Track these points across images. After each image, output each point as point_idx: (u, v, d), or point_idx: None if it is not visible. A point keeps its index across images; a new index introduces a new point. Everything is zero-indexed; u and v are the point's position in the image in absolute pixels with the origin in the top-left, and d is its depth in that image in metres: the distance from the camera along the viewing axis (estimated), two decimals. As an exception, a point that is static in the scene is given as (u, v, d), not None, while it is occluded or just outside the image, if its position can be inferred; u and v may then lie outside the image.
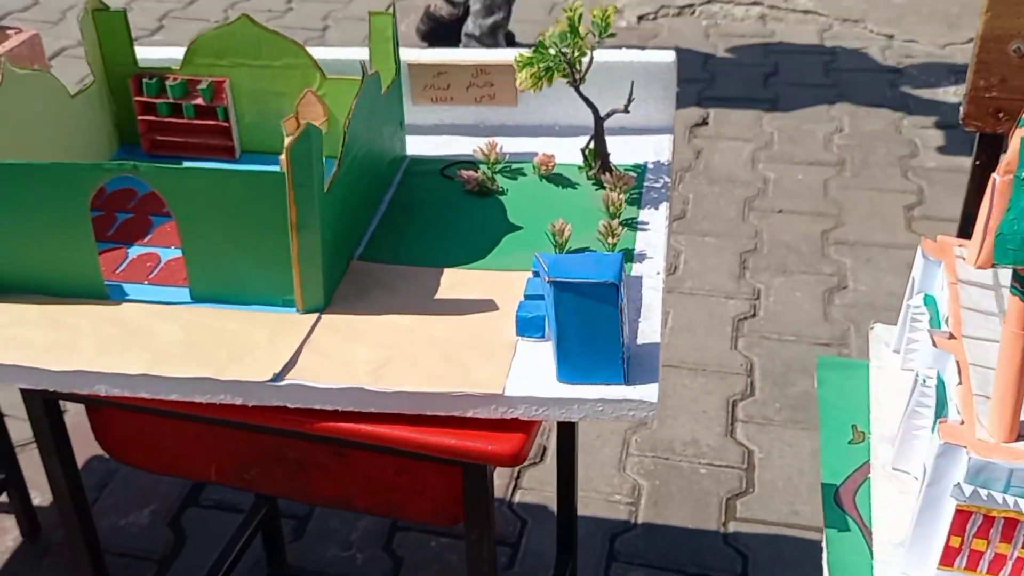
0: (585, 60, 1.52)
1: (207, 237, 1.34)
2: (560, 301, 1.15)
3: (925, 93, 3.87)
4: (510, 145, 1.68)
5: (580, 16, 1.49)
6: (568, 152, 1.67)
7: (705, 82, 3.96)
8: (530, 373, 1.23)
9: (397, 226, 1.54)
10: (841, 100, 3.84)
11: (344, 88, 1.64)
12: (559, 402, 1.20)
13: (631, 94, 1.54)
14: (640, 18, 4.50)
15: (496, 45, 3.83)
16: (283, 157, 1.26)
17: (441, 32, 4.00)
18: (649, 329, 1.28)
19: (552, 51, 1.49)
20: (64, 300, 1.39)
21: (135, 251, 1.50)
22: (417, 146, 1.73)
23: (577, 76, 1.52)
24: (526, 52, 1.52)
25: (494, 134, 1.74)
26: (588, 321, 1.16)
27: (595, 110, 1.54)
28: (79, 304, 1.38)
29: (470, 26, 3.82)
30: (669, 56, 1.68)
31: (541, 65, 1.48)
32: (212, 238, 1.34)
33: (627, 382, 1.19)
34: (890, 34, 4.27)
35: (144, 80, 1.66)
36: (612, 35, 1.50)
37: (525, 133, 1.74)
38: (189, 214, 1.32)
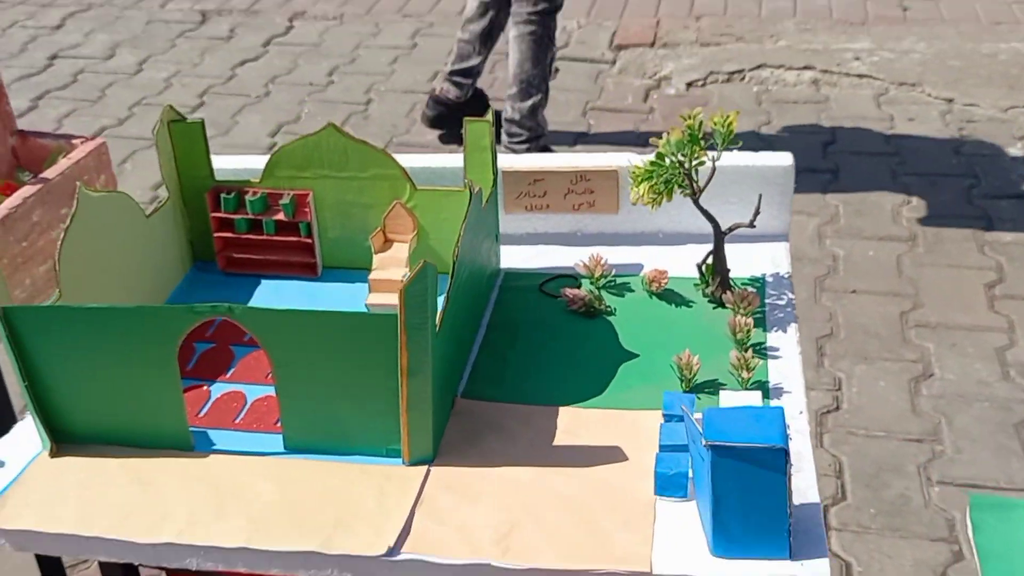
0: (702, 169, 1.40)
1: (305, 384, 1.21)
2: (719, 467, 1.02)
3: (992, 160, 3.74)
4: (610, 255, 1.55)
5: (701, 124, 1.37)
6: (675, 263, 1.55)
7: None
8: (677, 543, 1.09)
9: (499, 354, 1.41)
10: (905, 169, 3.71)
11: (435, 199, 1.53)
12: (716, 580, 1.05)
13: (758, 207, 1.42)
14: (689, 85, 4.40)
15: (537, 128, 3.71)
16: (396, 297, 1.14)
17: (449, 116, 3.87)
18: (805, 485, 1.14)
19: (669, 162, 1.37)
20: (146, 451, 1.26)
21: (218, 389, 1.37)
22: (510, 258, 1.61)
23: (696, 188, 1.39)
24: (640, 163, 1.40)
25: (592, 243, 1.62)
26: (750, 489, 1.02)
27: (716, 224, 1.42)
28: (163, 456, 1.25)
29: (508, 111, 3.69)
30: (787, 159, 1.55)
31: (660, 178, 1.35)
32: (311, 385, 1.21)
33: (793, 557, 1.05)
34: (949, 98, 4.14)
35: (222, 195, 1.55)
36: (737, 143, 1.38)
37: (626, 242, 1.62)
38: (288, 359, 1.20)
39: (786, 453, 1.00)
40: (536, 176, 1.58)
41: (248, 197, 1.54)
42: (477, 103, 3.93)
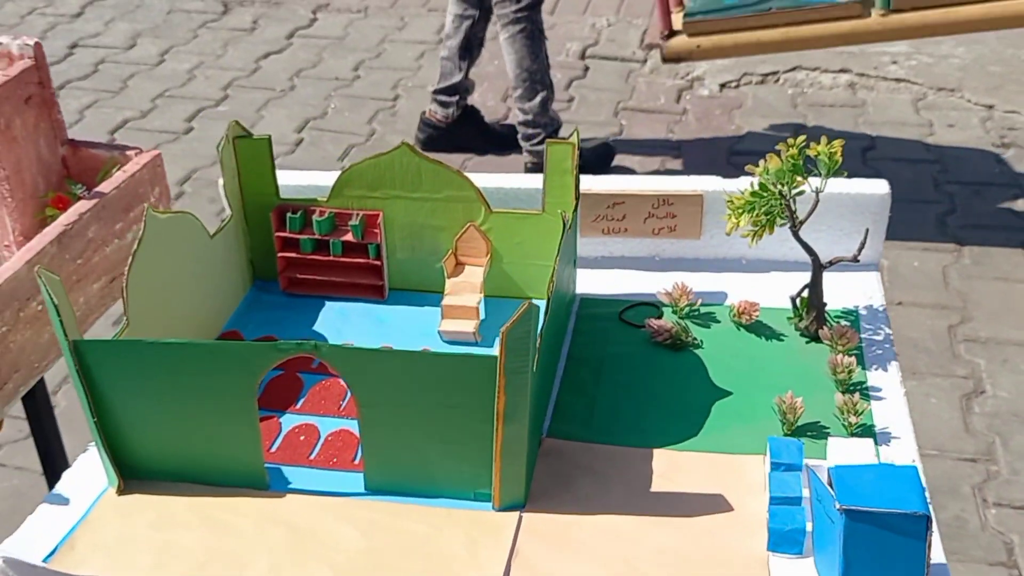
0: (800, 198, 1.33)
1: (392, 425, 1.15)
2: (853, 532, 0.95)
3: (1035, 169, 3.67)
4: (691, 282, 1.48)
5: (803, 151, 1.29)
6: (761, 292, 1.48)
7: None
8: (797, 606, 1.02)
9: (584, 390, 1.34)
10: (947, 177, 3.63)
11: (510, 222, 1.46)
12: (843, 650, 0.99)
13: (864, 240, 1.34)
14: (722, 86, 4.31)
15: (552, 122, 3.61)
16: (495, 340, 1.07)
17: (440, 138, 3.80)
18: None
19: (767, 193, 1.30)
20: (217, 490, 1.19)
21: (289, 421, 1.30)
22: (584, 282, 1.54)
23: (796, 220, 1.32)
24: (738, 193, 1.32)
25: (670, 268, 1.55)
26: (886, 555, 0.95)
27: (815, 257, 1.35)
28: (237, 496, 1.19)
29: (520, 115, 3.60)
30: (883, 187, 1.48)
31: (761, 210, 1.28)
32: (398, 426, 1.15)
33: (926, 625, 0.98)
34: (989, 104, 4.06)
35: (288, 214, 1.48)
36: (842, 173, 1.31)
37: (707, 268, 1.54)
38: (375, 400, 1.13)
39: (928, 520, 0.93)
40: (616, 200, 1.51)
41: (315, 217, 1.47)
42: (468, 121, 3.83)
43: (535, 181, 1.49)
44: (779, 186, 1.29)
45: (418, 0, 5.22)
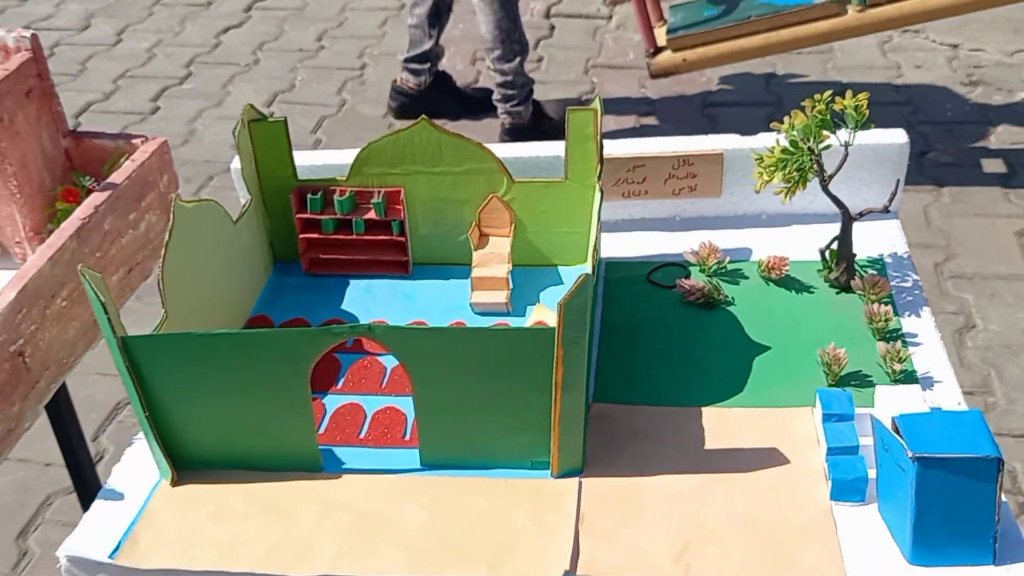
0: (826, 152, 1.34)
1: (448, 401, 1.14)
2: (925, 479, 0.97)
3: (1005, 106, 3.71)
4: (714, 240, 1.49)
5: (829, 106, 1.30)
6: (785, 246, 1.49)
7: (772, 105, 3.78)
8: (867, 553, 1.04)
9: (622, 353, 1.35)
10: (919, 117, 3.67)
11: (533, 191, 1.45)
12: (917, 592, 1.01)
13: (896, 189, 1.36)
14: (689, 38, 4.31)
15: (528, 82, 3.57)
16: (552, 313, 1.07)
17: (412, 105, 3.75)
18: (986, 485, 1.10)
19: (797, 150, 1.30)
20: (271, 475, 1.19)
21: (333, 402, 1.30)
22: (608, 247, 1.54)
23: (825, 174, 1.33)
24: (767, 151, 1.33)
25: (692, 228, 1.55)
26: (958, 499, 0.98)
27: (845, 210, 1.36)
28: (292, 481, 1.18)
29: (497, 76, 3.57)
30: (901, 137, 1.49)
31: (793, 167, 1.29)
32: (454, 402, 1.15)
33: (996, 562, 1.01)
34: (954, 43, 4.10)
35: (308, 195, 1.46)
36: (870, 125, 1.32)
37: (728, 225, 1.55)
38: (431, 378, 1.13)
39: (1000, 462, 0.96)
40: (636, 163, 1.51)
41: (336, 197, 1.46)
42: (441, 87, 3.81)
43: (556, 149, 1.49)
44: (808, 142, 1.29)
45: (375, -35, 5.15)
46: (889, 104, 3.78)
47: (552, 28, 4.44)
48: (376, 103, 3.94)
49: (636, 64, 4.14)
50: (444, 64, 3.87)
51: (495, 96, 3.62)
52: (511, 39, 3.53)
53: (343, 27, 4.58)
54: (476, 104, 3.81)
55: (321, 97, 4.02)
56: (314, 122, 3.86)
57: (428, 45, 3.69)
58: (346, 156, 1.50)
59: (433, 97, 3.77)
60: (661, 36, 3.27)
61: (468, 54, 4.22)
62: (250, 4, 4.82)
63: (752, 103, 3.83)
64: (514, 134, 3.59)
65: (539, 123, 3.62)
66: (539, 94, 3.71)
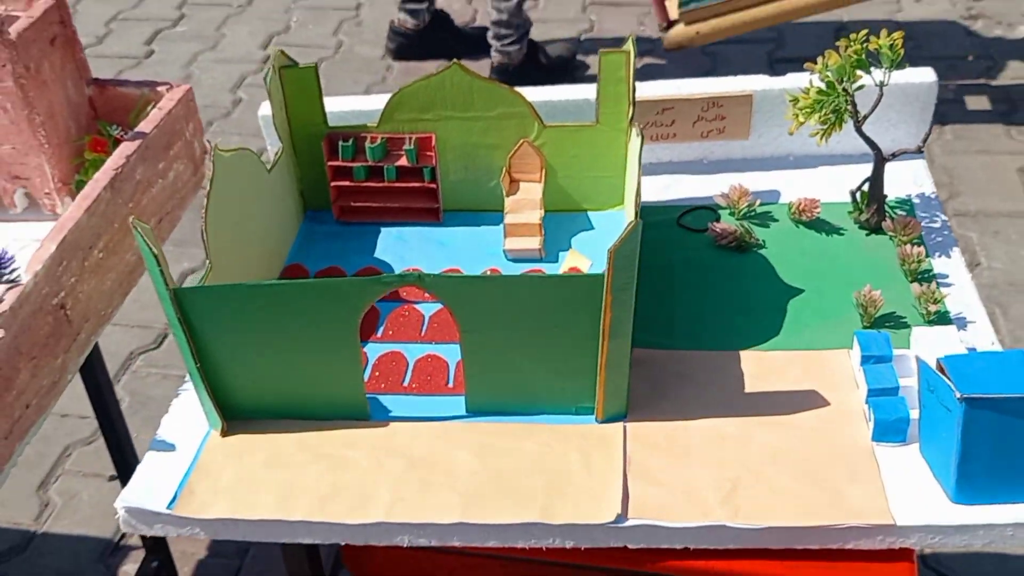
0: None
1: (495, 349, 1.16)
2: (973, 419, 0.99)
3: (1006, 41, 3.70)
4: (742, 182, 1.50)
5: (866, 46, 1.30)
6: (813, 187, 1.50)
7: (774, 42, 3.76)
8: (911, 492, 1.07)
9: (659, 299, 1.36)
10: (920, 53, 3.66)
11: (564, 136, 1.46)
12: (961, 529, 1.04)
13: (929, 130, 1.36)
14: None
15: (524, 23, 3.52)
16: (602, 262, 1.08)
17: (410, 45, 3.73)
18: (1024, 423, 1.12)
19: (832, 91, 1.31)
20: (320, 424, 1.21)
21: (374, 350, 1.31)
22: (636, 190, 1.54)
23: (859, 115, 1.34)
24: (801, 92, 1.33)
25: (719, 171, 1.56)
26: (1004, 439, 1.00)
27: (878, 150, 1.37)
28: (342, 429, 1.20)
29: (494, 13, 3.52)
30: (930, 75, 1.50)
31: (829, 108, 1.29)
32: (501, 350, 1.16)
33: (1039, 499, 1.04)
34: (954, -24, 4.09)
35: (340, 142, 1.46)
36: (904, 64, 1.32)
37: (755, 167, 1.56)
38: (479, 325, 1.14)
39: (1047, 402, 0.98)
40: (665, 105, 1.51)
41: (368, 144, 1.46)
42: (440, 26, 3.76)
43: (586, 92, 1.49)
44: (843, 82, 1.30)
45: (365, -99, 5.05)
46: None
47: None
48: (374, 44, 3.90)
49: (634, 1, 4.10)
50: (441, 2, 3.83)
51: (489, 33, 3.57)
52: None
53: (337, -35, 4.51)
54: (476, 43, 3.77)
55: (318, 39, 3.97)
56: (312, 65, 3.81)
57: None
58: (376, 102, 1.49)
59: (431, 37, 3.73)
60: (673, 8, 3.24)
61: (465, -8, 4.17)
62: (241, -57, 4.73)
63: (752, 40, 3.80)
64: (502, 73, 3.55)
65: (532, 65, 3.59)
66: (538, 33, 3.68)
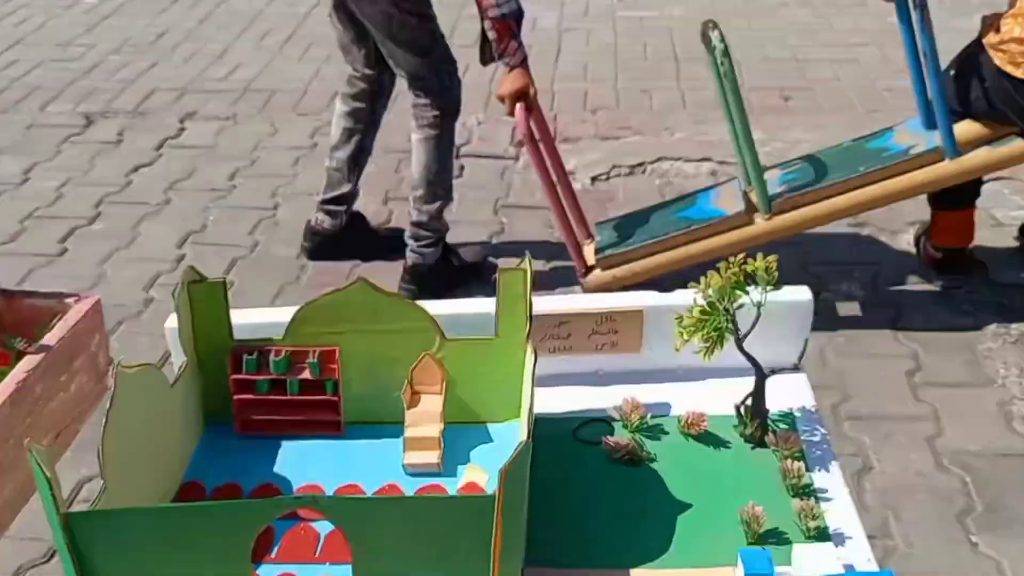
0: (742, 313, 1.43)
1: (387, 570, 1.17)
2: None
3: (889, 248, 3.94)
4: (635, 395, 1.56)
5: (743, 269, 1.40)
6: (703, 401, 1.57)
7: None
8: None
9: (554, 513, 1.39)
10: (812, 259, 3.86)
11: (464, 349, 1.52)
12: None
13: (805, 347, 1.45)
14: (594, 179, 4.49)
15: (441, 228, 3.61)
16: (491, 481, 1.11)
17: (327, 246, 3.82)
18: (900, 640, 1.16)
19: (714, 311, 1.40)
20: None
21: (268, 573, 1.31)
22: (535, 402, 1.59)
23: (739, 333, 1.42)
24: (686, 312, 1.42)
25: (613, 383, 1.63)
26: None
27: (759, 368, 1.45)
28: (231, 654, 1.18)
29: (415, 214, 3.64)
30: (805, 294, 1.61)
31: (711, 327, 1.38)
32: (393, 571, 1.17)
33: None
34: (841, 188, 4.37)
35: (245, 356, 1.49)
36: (778, 286, 1.42)
37: (647, 380, 1.63)
38: (371, 547, 1.15)
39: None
40: (562, 319, 1.59)
41: (272, 357, 1.49)
42: (355, 228, 3.89)
43: (490, 306, 1.56)
44: (723, 302, 1.39)
45: (287, 105, 5.26)
46: (784, 245, 3.97)
47: (462, 168, 4.57)
48: (289, 244, 3.98)
49: (543, 204, 4.28)
50: (358, 204, 3.95)
51: (407, 234, 3.69)
52: (436, 184, 3.62)
53: (255, 166, 4.64)
54: (389, 244, 3.88)
55: (234, 237, 4.05)
56: (227, 263, 3.87)
57: (346, 188, 3.77)
58: (285, 314, 1.54)
59: (347, 238, 3.84)
60: (590, 255, 3.42)
61: (381, 193, 4.31)
62: (161, 142, 4.86)
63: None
64: (415, 273, 3.64)
65: (444, 269, 3.68)
66: (450, 235, 3.80)
